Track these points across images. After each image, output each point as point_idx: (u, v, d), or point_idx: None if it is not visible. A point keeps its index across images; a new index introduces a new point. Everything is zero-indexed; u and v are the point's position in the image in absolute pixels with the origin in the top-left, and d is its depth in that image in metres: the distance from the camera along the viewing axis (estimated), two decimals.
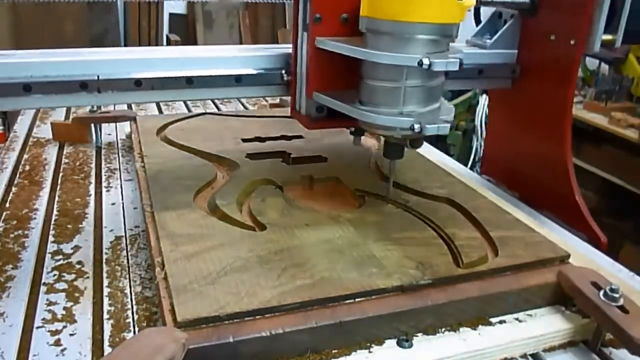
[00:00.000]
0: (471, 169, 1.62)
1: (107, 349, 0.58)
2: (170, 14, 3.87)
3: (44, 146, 1.17)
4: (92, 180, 1.01)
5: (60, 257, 0.75)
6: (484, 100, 2.51)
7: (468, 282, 0.65)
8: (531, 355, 0.62)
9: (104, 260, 0.75)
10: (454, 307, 0.62)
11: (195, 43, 3.81)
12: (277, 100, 1.41)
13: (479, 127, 2.52)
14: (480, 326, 0.63)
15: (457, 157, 2.30)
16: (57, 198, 0.93)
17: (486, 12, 0.98)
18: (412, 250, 0.69)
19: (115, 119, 1.21)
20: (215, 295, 0.58)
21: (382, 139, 0.82)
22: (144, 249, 0.78)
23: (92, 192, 0.96)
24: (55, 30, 3.16)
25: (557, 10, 0.86)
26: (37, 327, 0.61)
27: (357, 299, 0.61)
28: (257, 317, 0.57)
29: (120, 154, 1.14)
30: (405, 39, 0.65)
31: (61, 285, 0.69)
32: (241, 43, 3.87)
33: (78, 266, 0.73)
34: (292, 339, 0.56)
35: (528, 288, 0.65)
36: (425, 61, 0.61)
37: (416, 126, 0.64)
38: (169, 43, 3.66)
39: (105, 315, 0.63)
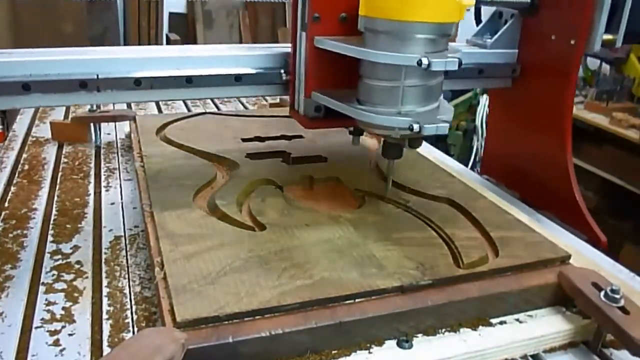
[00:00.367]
0: (472, 169, 1.62)
1: (106, 349, 0.58)
2: (170, 13, 3.87)
3: (43, 145, 1.17)
4: (92, 179, 1.01)
5: (59, 256, 0.75)
6: (484, 100, 2.51)
7: (468, 283, 0.64)
8: (531, 356, 0.61)
9: (103, 260, 0.74)
10: (454, 307, 0.62)
11: (195, 42, 3.81)
12: (277, 100, 1.41)
13: (479, 127, 2.52)
14: (480, 327, 0.63)
15: (457, 157, 2.30)
16: (56, 198, 0.93)
17: (486, 11, 0.98)
18: (412, 250, 0.69)
19: (115, 118, 1.21)
20: (215, 296, 0.58)
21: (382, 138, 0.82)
22: (143, 249, 0.78)
23: (92, 191, 0.96)
24: (55, 29, 3.16)
25: (557, 9, 0.86)
26: (36, 327, 0.61)
27: (357, 300, 0.60)
28: (257, 317, 0.57)
29: (119, 154, 1.14)
30: (404, 39, 0.65)
31: (60, 285, 0.69)
32: (241, 42, 3.87)
33: (77, 266, 0.73)
34: (292, 340, 0.56)
35: (528, 289, 0.65)
36: (424, 61, 0.61)
37: (415, 126, 0.64)
38: (168, 42, 3.66)
39: (105, 316, 0.63)
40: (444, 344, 0.60)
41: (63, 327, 0.61)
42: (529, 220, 0.81)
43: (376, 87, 0.70)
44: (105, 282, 0.70)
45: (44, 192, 0.95)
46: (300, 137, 1.07)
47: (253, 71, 0.79)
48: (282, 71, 0.80)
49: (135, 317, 0.63)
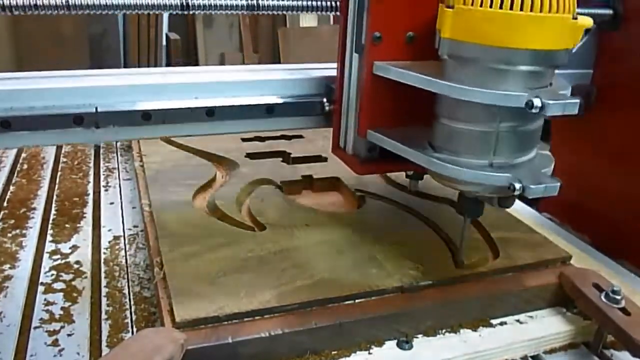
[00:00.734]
0: None
1: (105, 350, 0.58)
2: (170, 13, 3.87)
3: None
4: (91, 179, 1.01)
5: (58, 256, 0.75)
6: None
7: (468, 283, 0.64)
8: (532, 357, 0.61)
9: (102, 260, 0.74)
10: (454, 308, 0.62)
11: (195, 42, 3.81)
12: None
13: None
14: (480, 327, 0.62)
15: None
16: (55, 197, 0.92)
17: None
18: (412, 250, 0.69)
19: None
20: (214, 296, 0.58)
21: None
22: (142, 249, 0.77)
23: (91, 191, 0.96)
24: (54, 30, 3.16)
25: None
26: (35, 327, 0.61)
27: (357, 300, 0.60)
28: (256, 317, 0.56)
29: (119, 153, 1.14)
30: (502, 71, 0.51)
31: (59, 285, 0.68)
32: (241, 42, 3.86)
33: (76, 266, 0.73)
34: (292, 340, 0.56)
35: (529, 289, 0.65)
36: (537, 102, 0.48)
37: (517, 186, 0.50)
38: (168, 42, 3.65)
39: (104, 316, 0.63)
40: (444, 345, 0.59)
41: (62, 327, 0.61)
42: (530, 221, 0.81)
43: (461, 132, 0.55)
44: (104, 282, 0.69)
45: (43, 192, 0.95)
46: (300, 137, 1.07)
47: (287, 100, 0.66)
48: (325, 100, 0.67)
49: (134, 317, 0.63)
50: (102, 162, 1.09)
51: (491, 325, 0.63)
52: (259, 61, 3.68)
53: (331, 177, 0.91)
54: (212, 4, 0.61)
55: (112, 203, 0.92)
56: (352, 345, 0.58)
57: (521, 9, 0.49)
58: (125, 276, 0.71)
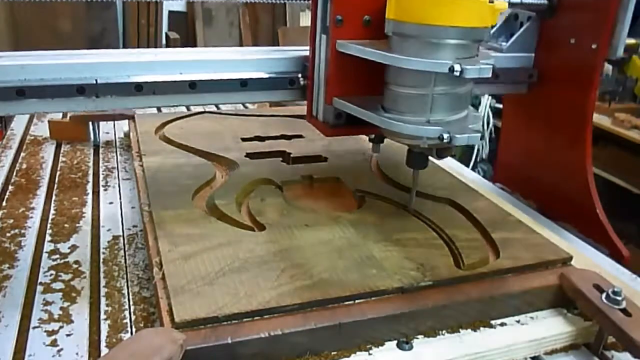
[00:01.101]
0: (473, 169, 1.62)
1: (104, 350, 0.58)
2: (170, 12, 3.86)
3: (41, 144, 1.17)
4: (90, 179, 1.00)
5: (57, 256, 0.75)
6: (486, 100, 2.50)
7: (469, 284, 0.64)
8: (532, 358, 0.61)
9: (101, 260, 0.74)
10: (454, 309, 0.62)
11: (194, 41, 3.81)
12: None
13: (481, 128, 2.51)
14: (481, 328, 0.62)
15: (459, 158, 2.29)
16: (54, 197, 0.92)
17: (502, 13, 0.94)
18: (412, 251, 0.69)
19: (114, 117, 1.21)
20: (214, 296, 0.58)
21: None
22: (141, 249, 0.77)
23: (90, 191, 0.95)
24: (53, 28, 3.16)
25: (577, 11, 0.82)
26: (34, 327, 0.60)
27: (356, 301, 0.60)
28: (256, 318, 0.56)
29: (118, 153, 1.13)
30: (435, 44, 0.61)
31: (58, 285, 0.68)
32: (241, 41, 3.86)
33: (75, 266, 0.72)
34: (291, 341, 0.55)
35: (529, 290, 0.65)
36: (457, 67, 0.58)
37: (445, 136, 0.61)
38: (168, 41, 3.65)
39: (103, 316, 0.63)
40: (444, 346, 0.59)
41: (61, 327, 0.61)
42: (531, 222, 0.81)
43: (404, 95, 0.66)
44: (103, 282, 0.69)
45: (42, 192, 0.94)
46: (300, 136, 1.07)
47: (266, 75, 0.76)
48: (300, 76, 0.76)
49: (133, 317, 0.63)
50: (101, 161, 1.08)
51: (491, 326, 0.63)
52: None
53: (331, 177, 0.91)
54: None
55: (111, 203, 0.91)
56: (352, 346, 0.58)
57: None
58: (125, 276, 0.71)
